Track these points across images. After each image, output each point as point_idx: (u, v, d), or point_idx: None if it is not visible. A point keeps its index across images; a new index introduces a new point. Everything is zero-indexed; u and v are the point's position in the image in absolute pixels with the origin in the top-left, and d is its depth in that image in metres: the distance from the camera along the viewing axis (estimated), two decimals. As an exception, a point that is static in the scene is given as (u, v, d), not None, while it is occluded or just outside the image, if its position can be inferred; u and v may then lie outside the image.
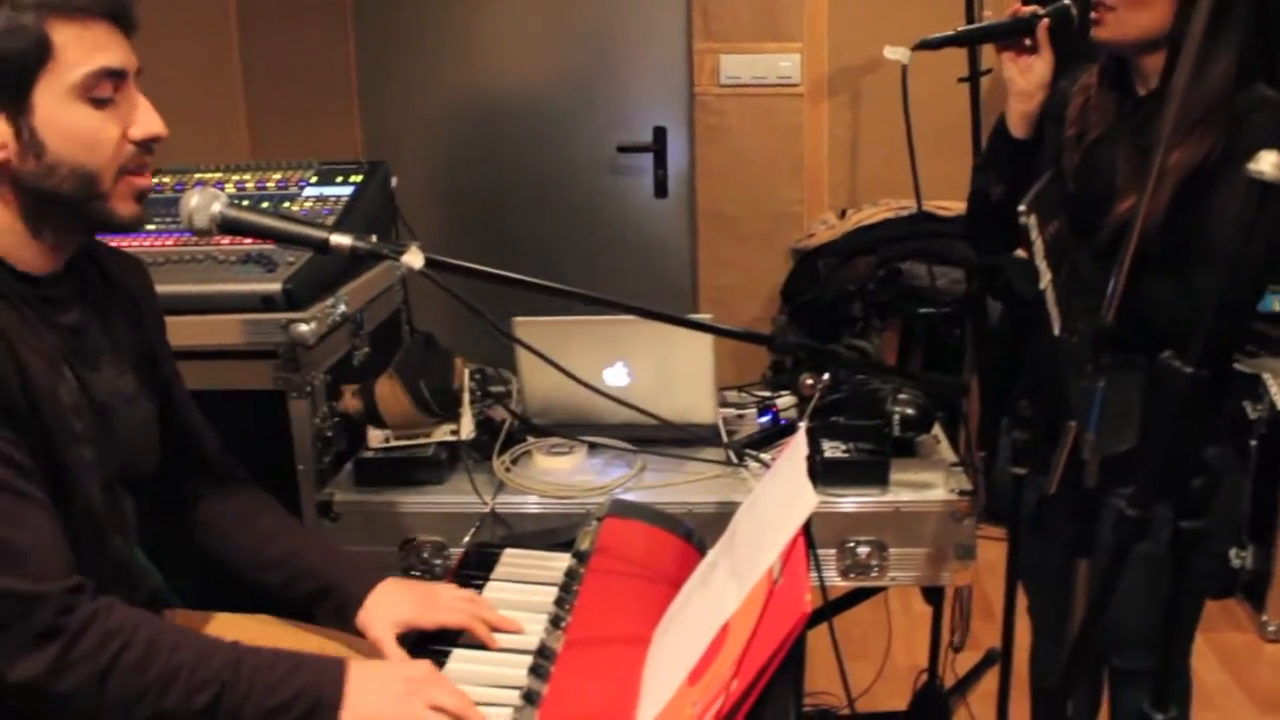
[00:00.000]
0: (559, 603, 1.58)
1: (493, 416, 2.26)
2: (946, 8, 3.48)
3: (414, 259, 1.35)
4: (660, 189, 3.76)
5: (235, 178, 2.45)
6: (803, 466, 1.27)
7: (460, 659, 1.52)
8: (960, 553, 2.01)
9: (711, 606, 1.31)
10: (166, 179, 2.47)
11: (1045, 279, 1.60)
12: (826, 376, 1.65)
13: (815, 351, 1.64)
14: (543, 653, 1.45)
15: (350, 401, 2.12)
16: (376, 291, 2.45)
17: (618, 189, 3.80)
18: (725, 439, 2.19)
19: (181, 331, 2.06)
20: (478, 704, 1.40)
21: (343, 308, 2.20)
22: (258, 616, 1.80)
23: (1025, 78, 1.95)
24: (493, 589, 1.69)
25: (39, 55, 1.30)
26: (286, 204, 2.35)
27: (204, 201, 1.40)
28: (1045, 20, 1.92)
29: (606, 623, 1.53)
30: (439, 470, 2.09)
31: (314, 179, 2.43)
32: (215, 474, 1.77)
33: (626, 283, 3.71)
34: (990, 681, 2.89)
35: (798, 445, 1.35)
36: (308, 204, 2.35)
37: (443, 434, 2.12)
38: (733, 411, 2.35)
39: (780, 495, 1.32)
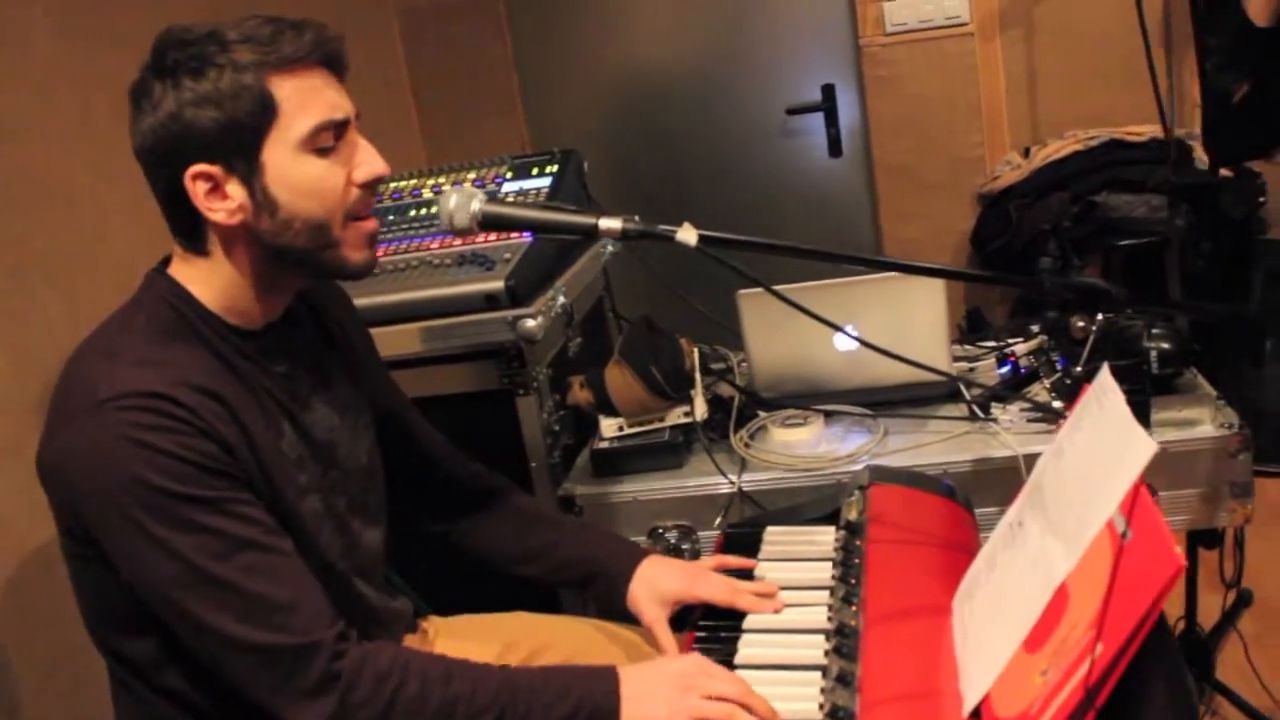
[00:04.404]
0: (844, 578, 1.52)
1: (719, 394, 2.21)
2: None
3: (688, 235, 1.30)
4: (834, 148, 3.66)
5: (431, 182, 2.45)
6: (1123, 411, 1.19)
7: (751, 643, 1.47)
8: (1237, 491, 1.89)
9: (1033, 569, 1.23)
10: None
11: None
12: (1101, 316, 1.56)
13: (1086, 290, 1.54)
14: (843, 632, 1.39)
15: (580, 393, 2.10)
16: (587, 281, 2.42)
17: (791, 152, 3.70)
18: (967, 394, 2.10)
19: (405, 340, 2.08)
20: (776, 686, 1.36)
21: (562, 299, 2.17)
22: (514, 615, 1.80)
23: None
24: (764, 569, 1.63)
25: (265, 114, 1.29)
26: (488, 202, 2.34)
27: (463, 200, 1.37)
28: None
29: (902, 595, 1.46)
30: (678, 454, 2.06)
31: (509, 174, 2.42)
32: (459, 480, 1.76)
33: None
34: (1249, 623, 2.76)
35: (1106, 389, 1.26)
36: (510, 199, 2.34)
37: (676, 417, 2.09)
38: (963, 365, 2.26)
39: (1095, 445, 1.23)
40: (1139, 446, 1.11)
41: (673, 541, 2.01)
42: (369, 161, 1.37)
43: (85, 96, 2.20)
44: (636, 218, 1.33)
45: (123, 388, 1.24)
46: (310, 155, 1.32)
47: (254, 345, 1.40)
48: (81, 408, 1.26)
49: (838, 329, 1.57)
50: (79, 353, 1.35)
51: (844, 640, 1.37)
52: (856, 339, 1.59)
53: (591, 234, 1.33)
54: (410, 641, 1.65)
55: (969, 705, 1.20)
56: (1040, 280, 1.53)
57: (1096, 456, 1.21)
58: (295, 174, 1.31)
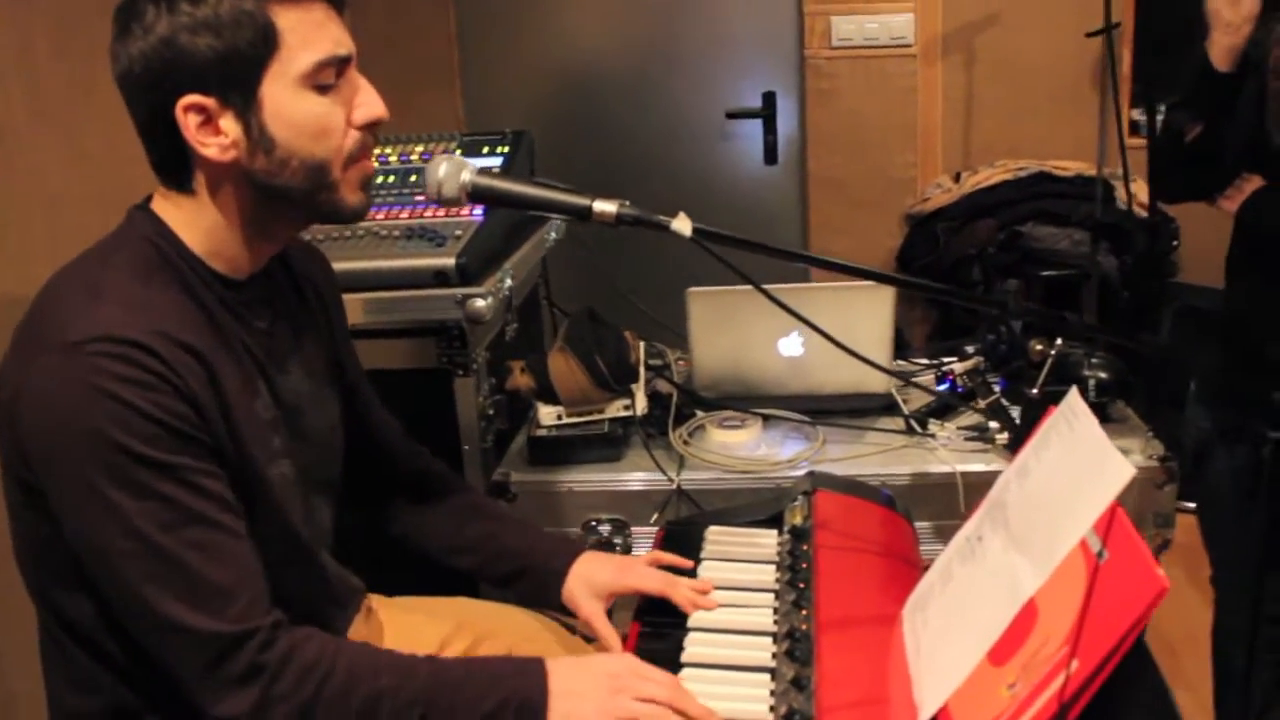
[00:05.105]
0: (792, 582, 1.51)
1: (657, 390, 2.20)
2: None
3: (683, 226, 1.29)
4: (770, 155, 3.67)
5: (377, 151, 2.38)
6: (1097, 434, 1.20)
7: (696, 642, 1.45)
8: (1159, 521, 1.95)
9: (996, 583, 1.24)
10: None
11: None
12: (1060, 341, 1.58)
13: (1044, 317, 1.57)
14: (794, 635, 1.38)
15: (520, 378, 2.07)
16: (530, 267, 2.38)
17: (726, 156, 3.70)
18: (904, 409, 2.12)
19: (350, 309, 2.02)
20: (723, 685, 1.36)
21: (509, 282, 2.13)
22: (458, 600, 1.76)
23: (1233, 9, 1.88)
24: (708, 568, 1.62)
25: (266, 45, 1.22)
26: (436, 177, 2.29)
27: (453, 170, 1.33)
28: None
29: (852, 601, 1.46)
30: (616, 447, 2.04)
31: (458, 151, 2.37)
32: (402, 463, 1.72)
33: (737, 252, 3.61)
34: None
35: (1076, 412, 1.28)
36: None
37: (615, 409, 2.07)
38: (900, 381, 2.28)
39: (1066, 465, 1.24)
40: (1116, 469, 1.13)
41: (605, 535, 1.99)
42: (369, 103, 1.31)
43: (25, 32, 2.09)
44: (627, 203, 1.31)
45: (98, 330, 1.17)
46: (310, 92, 1.26)
47: (236, 296, 1.34)
48: (51, 345, 1.18)
49: (831, 339, 1.54)
50: (55, 284, 1.27)
51: (796, 644, 1.36)
52: (844, 347, 1.56)
53: (585, 216, 1.30)
54: (355, 620, 1.60)
55: (926, 714, 1.20)
56: (1005, 302, 1.54)
57: (1067, 477, 1.22)
58: (294, 111, 1.25)
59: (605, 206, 1.30)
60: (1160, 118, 2.18)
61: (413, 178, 2.29)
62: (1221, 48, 1.90)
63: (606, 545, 1.98)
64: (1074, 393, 1.32)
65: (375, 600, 1.68)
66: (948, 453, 1.98)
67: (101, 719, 1.34)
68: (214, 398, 1.25)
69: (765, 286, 1.99)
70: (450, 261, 2.00)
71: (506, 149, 2.35)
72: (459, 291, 1.99)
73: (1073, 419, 1.28)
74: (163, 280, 1.27)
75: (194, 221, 1.30)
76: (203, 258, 1.30)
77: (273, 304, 1.41)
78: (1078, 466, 1.21)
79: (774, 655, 1.39)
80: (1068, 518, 1.16)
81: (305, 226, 1.43)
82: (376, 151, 2.38)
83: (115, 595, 1.22)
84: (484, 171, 1.34)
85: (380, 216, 2.18)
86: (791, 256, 1.41)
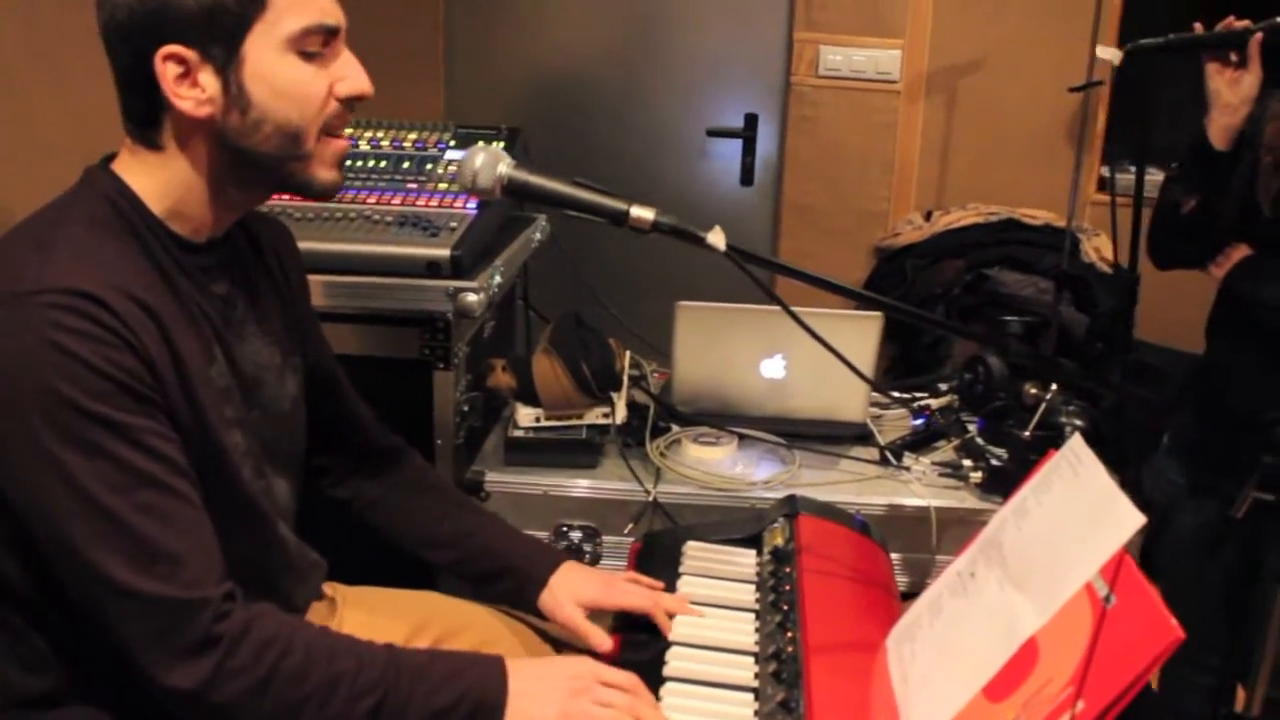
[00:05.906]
0: (775, 604, 1.51)
1: (634, 400, 2.20)
2: (1052, 12, 3.44)
3: (717, 240, 1.29)
4: (747, 177, 3.67)
5: (369, 134, 2.36)
6: (1105, 480, 1.21)
7: (679, 656, 1.45)
8: (1123, 571, 1.97)
9: (992, 620, 1.25)
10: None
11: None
12: (1055, 387, 1.61)
13: (1039, 360, 1.59)
14: (779, 657, 1.38)
15: (501, 377, 2.05)
16: (516, 266, 2.37)
17: (704, 173, 3.70)
18: (880, 440, 2.14)
19: (334, 293, 1.99)
20: (706, 702, 1.35)
21: (498, 279, 2.12)
22: (425, 594, 1.74)
23: (1232, 90, 1.93)
24: (687, 584, 1.62)
25: (255, 3, 1.22)
26: (429, 166, 2.27)
27: (490, 161, 1.32)
28: (1259, 35, 1.90)
29: (838, 626, 1.46)
30: (593, 454, 2.03)
31: (452, 142, 2.34)
32: (375, 449, 1.70)
33: (706, 270, 3.60)
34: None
35: (1081, 458, 1.29)
36: (451, 168, 2.26)
37: (594, 416, 2.06)
38: (874, 411, 2.29)
39: (1069, 508, 1.25)
40: (1124, 516, 1.14)
41: (576, 541, 1.98)
42: (355, 77, 1.30)
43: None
44: (660, 210, 1.31)
45: (50, 282, 1.14)
46: (294, 56, 1.25)
47: (194, 260, 1.31)
48: (1, 296, 1.15)
49: (852, 367, 1.54)
50: (4, 239, 1.24)
51: (782, 666, 1.36)
52: (860, 373, 1.56)
53: (621, 220, 1.29)
54: (317, 609, 1.57)
55: (914, 746, 1.20)
56: (1005, 340, 1.56)
57: (1071, 520, 1.24)
58: (275, 73, 1.24)
59: (642, 213, 1.29)
60: (1147, 177, 2.22)
61: (405, 164, 2.26)
62: (1220, 127, 1.96)
63: (576, 552, 1.97)
64: (1078, 438, 1.34)
65: (338, 591, 1.66)
66: (921, 486, 2.00)
67: (52, 700, 1.30)
68: (169, 357, 1.22)
69: (748, 307, 2.02)
70: (445, 253, 1.97)
71: (502, 144, 2.33)
72: (451, 284, 1.97)
73: (1077, 464, 1.30)
74: (118, 238, 1.24)
75: (157, 180, 1.28)
76: (162, 218, 1.28)
77: (231, 271, 1.39)
78: (1083, 511, 1.22)
79: (757, 675, 1.39)
80: (1072, 561, 1.17)
81: (270, 195, 1.40)
82: (369, 136, 2.36)
83: (60, 559, 1.18)
84: (519, 166, 1.32)
85: (372, 201, 2.15)
86: (815, 282, 1.41)
